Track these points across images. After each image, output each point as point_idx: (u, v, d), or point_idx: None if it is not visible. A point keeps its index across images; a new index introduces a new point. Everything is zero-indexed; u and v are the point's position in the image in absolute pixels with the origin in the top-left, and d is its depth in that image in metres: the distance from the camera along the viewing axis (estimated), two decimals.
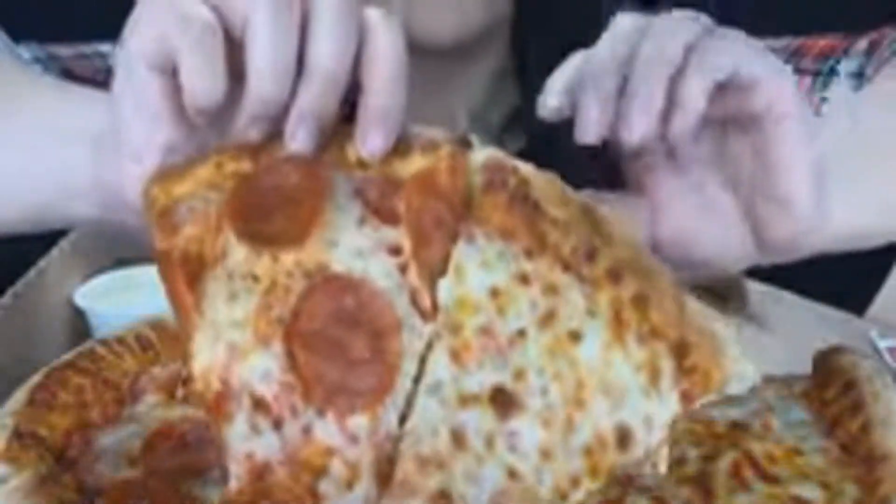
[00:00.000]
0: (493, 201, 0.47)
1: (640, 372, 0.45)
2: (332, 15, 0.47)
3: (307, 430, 0.46)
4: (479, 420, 0.46)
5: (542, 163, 0.47)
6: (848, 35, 0.85)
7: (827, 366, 0.58)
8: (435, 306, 0.47)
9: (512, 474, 0.46)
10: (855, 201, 0.54)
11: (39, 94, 0.64)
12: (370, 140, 0.47)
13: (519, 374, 0.46)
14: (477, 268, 0.47)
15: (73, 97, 0.61)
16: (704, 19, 0.51)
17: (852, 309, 0.78)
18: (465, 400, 0.46)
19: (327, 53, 0.47)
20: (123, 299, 0.83)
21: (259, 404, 0.46)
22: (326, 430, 0.46)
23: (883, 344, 0.73)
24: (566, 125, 0.50)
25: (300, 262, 0.47)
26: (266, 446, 0.46)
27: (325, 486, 0.46)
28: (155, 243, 0.48)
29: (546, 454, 0.46)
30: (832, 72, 0.84)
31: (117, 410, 0.59)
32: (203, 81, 0.46)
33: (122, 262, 0.87)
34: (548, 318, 0.46)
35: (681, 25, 0.49)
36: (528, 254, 0.46)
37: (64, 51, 0.88)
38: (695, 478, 0.52)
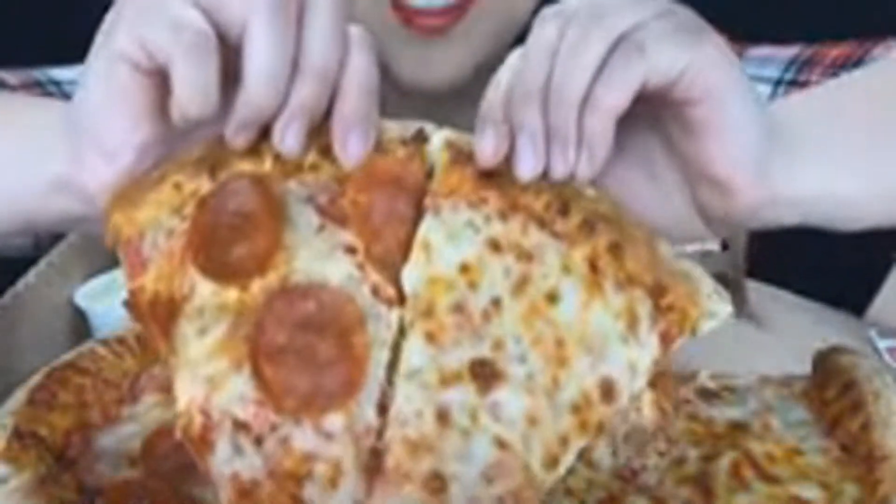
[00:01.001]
0: (462, 172, 0.48)
1: (619, 319, 0.46)
2: (325, 19, 0.48)
3: (285, 441, 0.46)
4: (462, 396, 0.46)
5: None
6: (862, 43, 0.83)
7: (827, 366, 0.58)
8: (401, 294, 0.47)
9: (501, 445, 0.45)
10: (838, 170, 0.53)
11: (13, 103, 0.63)
12: (350, 145, 0.47)
13: (497, 345, 0.46)
14: (444, 242, 0.47)
15: (46, 101, 0.60)
16: None
17: (852, 309, 0.78)
18: (447, 379, 0.46)
19: (321, 54, 0.47)
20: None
21: (240, 426, 0.47)
22: (303, 437, 0.46)
23: (883, 344, 0.73)
24: None
25: (265, 286, 0.47)
26: (249, 465, 0.46)
27: (309, 491, 0.46)
28: (126, 280, 0.48)
29: (532, 420, 0.45)
30: None
31: (117, 410, 0.59)
32: (196, 92, 0.46)
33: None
34: (522, 284, 0.46)
35: (592, 32, 0.47)
36: (502, 215, 0.47)
37: (12, 78, 0.87)
38: (695, 478, 0.52)
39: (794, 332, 0.70)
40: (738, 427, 0.55)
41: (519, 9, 0.82)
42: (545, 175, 0.47)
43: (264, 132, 0.48)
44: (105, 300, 0.83)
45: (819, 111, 0.56)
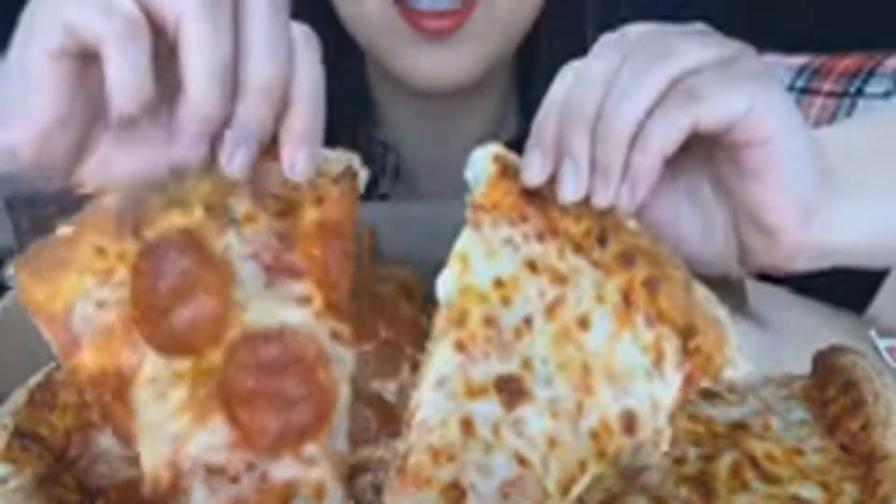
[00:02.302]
0: (506, 187, 0.48)
1: (646, 353, 0.46)
2: (265, 30, 0.46)
3: (264, 476, 0.47)
4: (487, 409, 0.46)
5: None
6: (872, 55, 0.83)
7: (827, 366, 0.58)
8: (356, 333, 0.48)
9: (521, 461, 0.46)
10: (885, 212, 0.53)
11: None
12: (298, 163, 0.47)
13: (525, 363, 0.47)
14: (482, 256, 0.48)
15: None
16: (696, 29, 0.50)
17: (852, 309, 0.78)
18: (474, 391, 0.47)
19: (263, 67, 0.46)
20: None
21: (214, 470, 0.47)
22: (283, 469, 0.47)
23: (883, 344, 0.72)
24: None
25: (224, 347, 0.47)
26: (228, 496, 0.47)
27: None
28: (60, 357, 0.47)
29: (553, 441, 0.46)
30: (859, 93, 0.82)
31: None
32: (132, 75, 0.44)
33: None
34: (555, 306, 0.47)
35: (649, 71, 0.47)
36: (540, 237, 0.48)
37: None
38: (695, 477, 0.52)
39: (794, 331, 0.70)
40: (739, 427, 0.55)
41: (524, 10, 0.82)
42: (587, 201, 0.48)
43: (193, 173, 0.47)
44: None
45: (861, 149, 0.56)
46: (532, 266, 0.48)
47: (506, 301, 0.47)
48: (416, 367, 0.56)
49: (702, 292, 0.48)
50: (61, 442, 0.55)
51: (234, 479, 0.47)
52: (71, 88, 0.48)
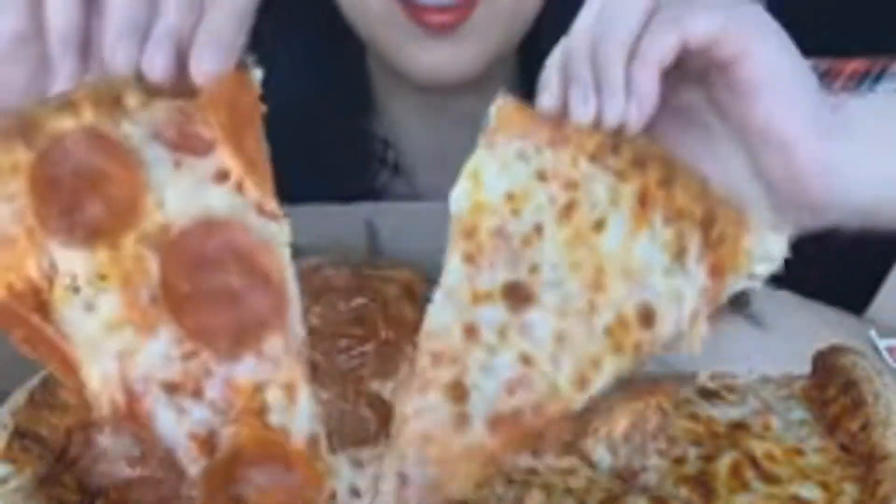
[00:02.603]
0: (519, 113, 0.49)
1: (665, 251, 0.47)
2: None
3: (229, 381, 0.46)
4: (492, 314, 0.47)
5: None
6: (878, 59, 0.84)
7: (827, 366, 0.58)
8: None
9: (526, 360, 0.46)
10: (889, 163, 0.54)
11: None
12: (203, 61, 0.46)
13: (533, 269, 0.47)
14: (495, 173, 0.48)
15: None
16: None
17: (852, 309, 0.78)
18: (479, 297, 0.47)
19: None
20: None
21: (172, 387, 0.45)
22: (247, 369, 0.46)
23: (883, 344, 0.72)
24: None
25: (141, 237, 0.45)
26: (199, 419, 0.46)
27: (275, 418, 0.46)
28: None
29: (561, 338, 0.47)
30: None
31: None
32: (63, 20, 0.46)
33: None
34: (568, 211, 0.48)
35: (633, 3, 0.50)
36: (552, 144, 0.48)
37: None
38: (695, 477, 0.52)
39: (794, 332, 0.70)
40: (739, 427, 0.55)
41: (526, 8, 0.83)
42: (598, 126, 0.49)
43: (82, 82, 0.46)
44: None
45: (883, 108, 0.58)
46: (542, 175, 0.48)
47: (515, 212, 0.48)
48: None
49: (717, 185, 0.48)
50: (61, 442, 0.55)
51: (197, 393, 0.45)
52: (32, 12, 0.49)
